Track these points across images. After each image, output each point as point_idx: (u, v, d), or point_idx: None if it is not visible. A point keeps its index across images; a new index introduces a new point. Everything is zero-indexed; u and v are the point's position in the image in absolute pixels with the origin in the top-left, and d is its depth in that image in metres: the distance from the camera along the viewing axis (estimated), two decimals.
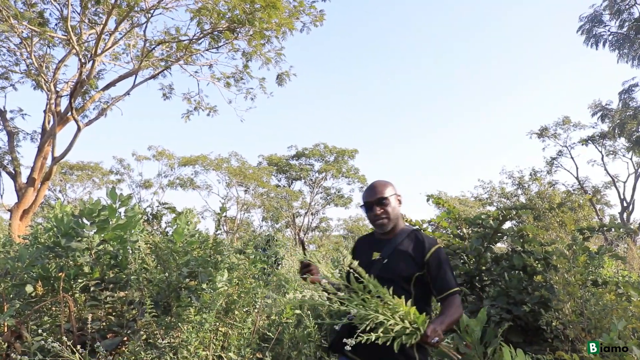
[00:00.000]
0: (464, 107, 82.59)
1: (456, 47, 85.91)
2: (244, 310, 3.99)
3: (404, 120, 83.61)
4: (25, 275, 4.78)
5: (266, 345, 4.18)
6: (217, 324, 3.73)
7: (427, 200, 6.30)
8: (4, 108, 17.42)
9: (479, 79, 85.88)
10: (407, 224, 3.79)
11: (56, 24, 16.13)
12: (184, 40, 16.13)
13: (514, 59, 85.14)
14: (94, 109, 18.10)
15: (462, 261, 5.45)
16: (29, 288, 4.65)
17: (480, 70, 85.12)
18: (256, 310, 3.87)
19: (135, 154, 39.12)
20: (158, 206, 5.08)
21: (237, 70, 18.17)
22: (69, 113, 15.83)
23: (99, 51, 14.93)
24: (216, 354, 3.69)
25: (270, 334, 4.26)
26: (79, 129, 15.66)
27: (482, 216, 5.50)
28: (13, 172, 16.97)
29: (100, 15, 16.05)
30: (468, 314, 4.84)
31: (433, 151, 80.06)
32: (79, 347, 2.84)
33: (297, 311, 4.56)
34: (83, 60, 15.21)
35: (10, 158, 17.29)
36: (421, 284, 2.62)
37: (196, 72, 18.16)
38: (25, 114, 18.27)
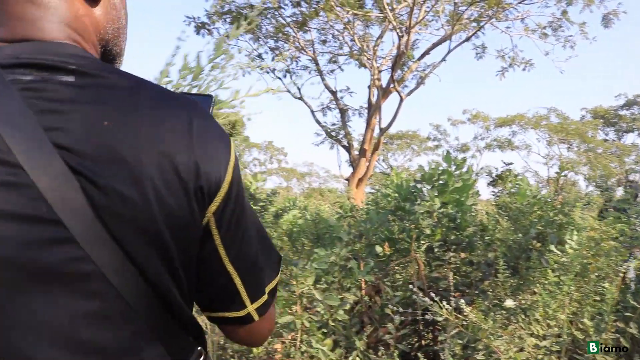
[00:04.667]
0: None
1: None
2: (597, 275, 3.61)
3: None
4: (374, 237, 5.24)
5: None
6: (571, 287, 3.47)
7: None
8: (335, 89, 19.51)
9: None
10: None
11: (372, 4, 17.24)
12: None
13: None
14: (412, 78, 18.88)
15: None
16: (378, 248, 5.09)
17: None
18: (619, 276, 3.45)
19: (450, 119, 39.74)
20: (503, 166, 5.00)
21: (554, 18, 16.70)
22: (391, 85, 16.85)
23: (412, 22, 15.44)
24: (569, 319, 3.45)
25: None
26: (401, 100, 16.60)
27: None
28: (347, 145, 19.00)
29: None
30: None
31: None
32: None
33: None
34: (400, 34, 15.95)
35: (343, 133, 19.38)
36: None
37: (508, 27, 17.27)
38: (352, 92, 20.08)
